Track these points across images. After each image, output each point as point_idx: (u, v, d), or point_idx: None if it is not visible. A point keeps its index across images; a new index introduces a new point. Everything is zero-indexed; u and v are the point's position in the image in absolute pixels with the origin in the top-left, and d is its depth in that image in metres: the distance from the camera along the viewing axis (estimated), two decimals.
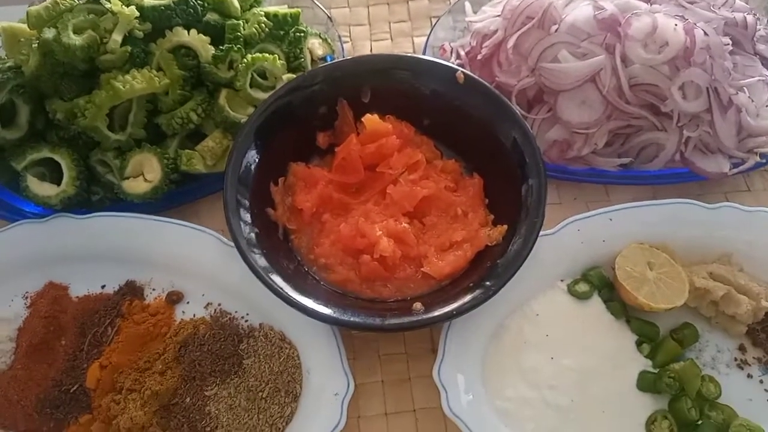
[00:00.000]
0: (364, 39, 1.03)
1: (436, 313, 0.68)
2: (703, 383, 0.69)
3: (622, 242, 0.77)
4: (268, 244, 0.75)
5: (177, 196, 0.84)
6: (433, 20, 1.02)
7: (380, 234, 0.76)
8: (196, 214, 0.86)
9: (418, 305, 0.69)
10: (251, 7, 0.91)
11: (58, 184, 0.80)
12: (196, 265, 0.78)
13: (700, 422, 0.68)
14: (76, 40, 0.77)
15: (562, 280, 0.77)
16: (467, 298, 0.68)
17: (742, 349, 0.74)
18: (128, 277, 0.79)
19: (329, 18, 0.98)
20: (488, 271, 0.71)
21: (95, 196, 0.83)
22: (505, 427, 0.68)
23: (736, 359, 0.73)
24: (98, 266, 0.79)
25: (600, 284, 0.76)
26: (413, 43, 1.02)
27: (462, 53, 0.92)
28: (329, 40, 0.94)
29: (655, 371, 0.71)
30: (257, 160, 0.79)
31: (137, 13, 0.80)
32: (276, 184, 0.80)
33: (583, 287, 0.76)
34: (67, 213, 0.80)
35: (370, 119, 0.80)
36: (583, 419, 0.69)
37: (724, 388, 0.70)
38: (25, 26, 0.85)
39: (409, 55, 0.90)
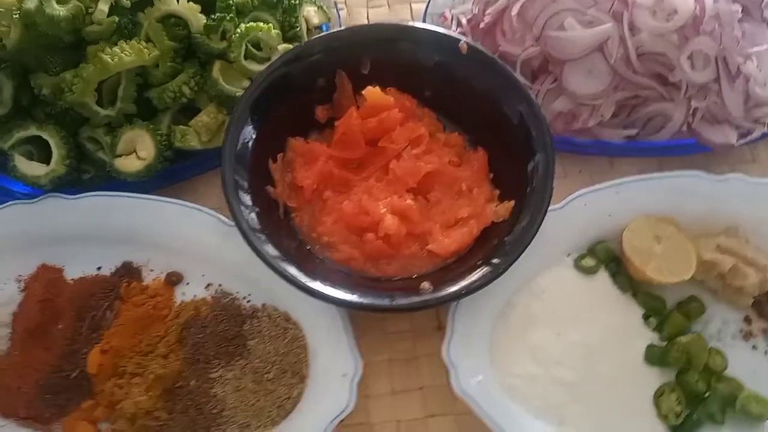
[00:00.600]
0: (359, 6, 0.99)
1: (445, 292, 0.66)
2: (710, 356, 0.70)
3: (629, 216, 0.76)
4: (270, 225, 0.73)
5: (171, 174, 0.81)
6: None
7: (384, 211, 0.74)
8: (192, 191, 0.83)
9: (426, 284, 0.68)
10: None
11: (47, 162, 0.77)
12: (194, 244, 0.76)
13: (707, 395, 0.69)
14: (61, 10, 0.73)
15: (568, 255, 0.76)
16: (476, 276, 0.67)
17: (747, 320, 0.74)
18: (125, 258, 0.77)
19: None
20: (495, 249, 0.70)
21: (86, 174, 0.80)
22: (514, 404, 0.68)
23: (741, 331, 0.74)
24: (93, 247, 0.77)
25: (607, 259, 0.75)
26: (411, 9, 0.98)
27: (463, 21, 0.89)
28: (325, 8, 0.90)
29: (663, 345, 0.71)
30: (254, 136, 0.76)
31: None
32: (275, 160, 0.78)
33: (589, 262, 0.75)
34: (58, 193, 0.76)
35: (372, 92, 0.77)
36: (591, 394, 0.69)
37: (730, 359, 0.71)
38: None
39: (410, 24, 0.86)
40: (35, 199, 0.76)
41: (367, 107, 0.79)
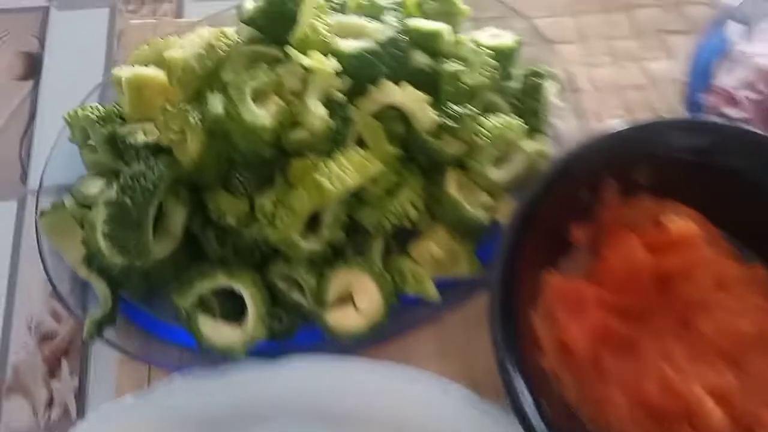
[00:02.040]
0: (575, 63, 0.77)
1: None
2: None
3: None
4: (551, 410, 0.54)
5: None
6: (669, 37, 0.77)
7: (701, 393, 0.55)
8: (399, 350, 0.61)
9: None
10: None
11: (233, 316, 0.57)
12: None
13: None
14: (263, 116, 0.52)
15: None
16: None
17: None
18: None
19: (545, 40, 0.72)
20: None
21: (278, 323, 0.60)
22: None
23: None
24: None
25: None
26: (644, 70, 0.77)
27: (744, 99, 0.68)
28: (555, 76, 0.68)
29: None
30: (514, 274, 0.56)
31: (339, 66, 0.55)
32: (534, 307, 0.58)
33: None
34: (251, 360, 0.57)
35: (678, 225, 0.57)
36: None
37: None
38: (158, 74, 0.59)
39: (709, 120, 0.65)
40: (217, 369, 0.56)
41: (660, 239, 0.59)
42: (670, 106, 0.73)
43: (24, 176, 0.72)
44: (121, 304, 0.60)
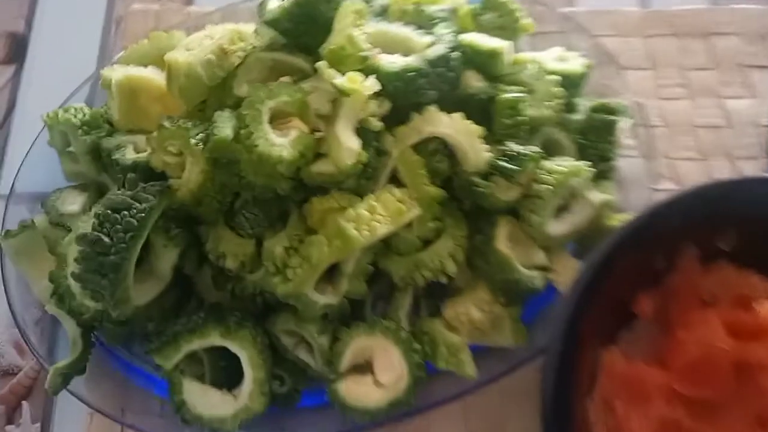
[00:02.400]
0: (644, 94, 0.66)
1: None
2: None
3: None
4: None
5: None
6: (751, 73, 0.66)
7: None
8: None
9: None
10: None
11: (225, 377, 0.47)
12: None
13: None
14: (282, 145, 0.42)
15: None
16: None
17: None
18: None
19: (615, 64, 0.61)
20: None
21: (279, 385, 0.50)
22: None
23: None
24: None
25: None
26: (722, 108, 0.66)
27: None
28: (628, 112, 0.58)
29: None
30: (570, 355, 0.46)
31: (378, 86, 0.44)
32: (590, 396, 0.48)
33: None
34: None
35: None
36: None
37: None
38: (156, 77, 0.48)
39: None
40: None
41: (745, 321, 0.49)
42: (750, 152, 0.63)
43: None
44: (94, 345, 0.50)
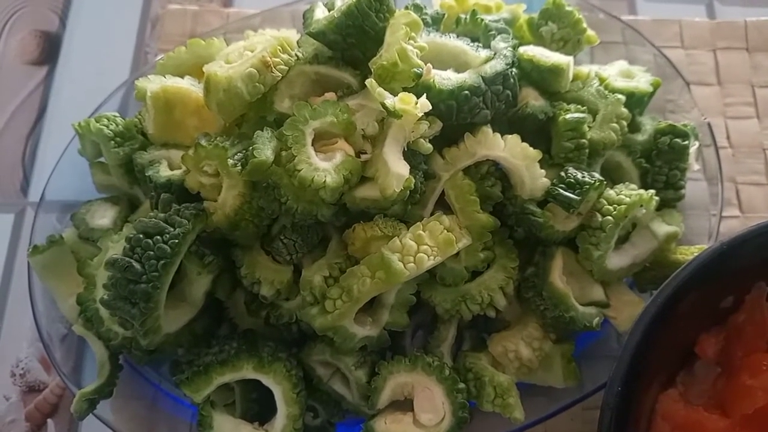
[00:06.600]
0: (709, 112, 0.61)
1: None
2: None
3: None
4: None
5: None
6: None
7: None
8: None
9: None
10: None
11: (259, 414, 0.44)
12: None
13: None
14: (325, 171, 0.39)
15: None
16: None
17: None
18: None
19: (682, 79, 0.56)
20: None
21: (312, 417, 0.47)
22: None
23: None
24: None
25: None
26: None
27: None
28: (698, 135, 0.53)
29: None
30: (629, 400, 0.43)
31: (428, 106, 0.41)
32: None
33: None
34: None
35: None
36: None
37: None
38: (193, 90, 0.46)
39: None
40: None
41: None
42: None
43: (25, 183, 0.60)
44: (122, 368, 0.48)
